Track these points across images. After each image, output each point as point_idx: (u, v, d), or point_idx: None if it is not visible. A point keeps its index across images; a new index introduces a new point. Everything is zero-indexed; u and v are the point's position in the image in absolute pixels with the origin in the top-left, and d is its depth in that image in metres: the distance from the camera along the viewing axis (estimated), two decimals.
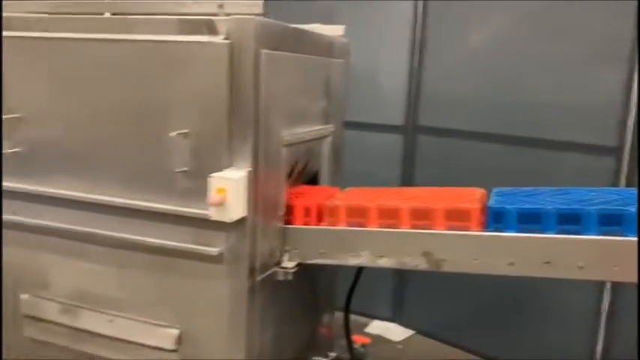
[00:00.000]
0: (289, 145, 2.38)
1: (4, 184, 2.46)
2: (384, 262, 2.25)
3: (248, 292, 2.18)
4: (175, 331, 2.27)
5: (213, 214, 2.01)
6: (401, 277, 4.18)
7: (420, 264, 2.20)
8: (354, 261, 2.30)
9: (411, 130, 4.05)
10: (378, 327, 4.23)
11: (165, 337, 2.28)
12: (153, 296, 2.31)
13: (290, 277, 2.34)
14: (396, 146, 4.10)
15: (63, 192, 2.38)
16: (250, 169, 2.07)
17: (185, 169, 2.14)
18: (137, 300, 2.34)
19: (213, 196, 1.97)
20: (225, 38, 2.03)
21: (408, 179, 4.06)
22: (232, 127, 2.06)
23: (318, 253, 2.33)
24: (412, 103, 4.01)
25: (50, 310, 2.50)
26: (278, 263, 2.34)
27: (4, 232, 2.51)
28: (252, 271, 2.18)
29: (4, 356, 2.57)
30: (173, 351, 2.28)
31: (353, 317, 3.07)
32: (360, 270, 2.78)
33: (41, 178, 2.42)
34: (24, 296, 2.55)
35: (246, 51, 2.02)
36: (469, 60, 3.77)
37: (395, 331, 4.18)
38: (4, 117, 2.38)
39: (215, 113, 2.07)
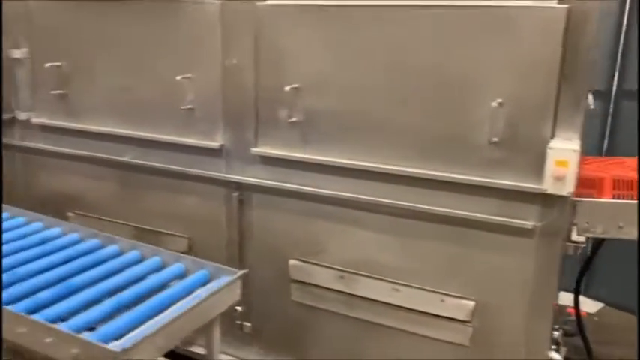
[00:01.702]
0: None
1: (284, 153, 2.50)
2: None
3: (557, 267, 2.13)
4: (470, 303, 2.26)
5: (550, 187, 1.95)
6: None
7: None
8: None
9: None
10: (567, 299, 4.13)
11: (460, 308, 2.27)
12: (444, 267, 2.30)
13: (579, 252, 2.28)
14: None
15: (345, 162, 2.39)
16: (580, 140, 1.99)
17: (496, 139, 2.08)
18: (426, 270, 2.33)
19: (555, 168, 1.90)
20: (561, 2, 1.92)
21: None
22: (563, 95, 1.98)
23: (617, 228, 2.24)
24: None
25: (322, 277, 2.55)
26: (568, 238, 2.28)
27: (278, 199, 2.58)
28: (562, 246, 2.13)
29: None
30: (466, 322, 2.28)
31: None
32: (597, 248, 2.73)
33: (320, 148, 2.44)
34: (293, 262, 2.61)
35: (587, 16, 1.91)
36: None
37: (586, 303, 4.07)
38: (286, 88, 2.40)
39: (541, 80, 1.98)
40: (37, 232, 2.51)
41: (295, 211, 2.56)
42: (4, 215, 2.62)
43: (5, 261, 2.16)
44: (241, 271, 2.11)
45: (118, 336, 1.75)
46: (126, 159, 2.91)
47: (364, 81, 2.30)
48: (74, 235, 2.46)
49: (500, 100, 2.04)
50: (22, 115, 3.16)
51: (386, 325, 2.45)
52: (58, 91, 2.99)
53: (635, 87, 3.69)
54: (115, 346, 1.62)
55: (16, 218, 2.61)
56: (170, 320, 1.76)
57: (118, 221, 3.00)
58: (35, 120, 3.13)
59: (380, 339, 2.50)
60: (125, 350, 1.58)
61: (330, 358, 2.64)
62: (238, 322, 2.78)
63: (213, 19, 2.51)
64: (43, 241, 2.40)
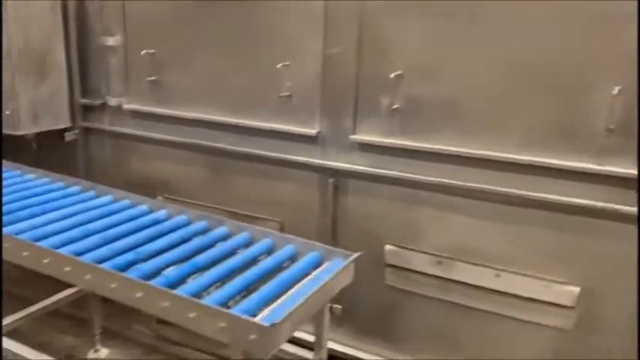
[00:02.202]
0: None
1: (383, 140, 2.56)
2: None
3: None
4: (576, 289, 2.30)
5: None
6: None
7: None
8: None
9: None
10: None
11: (565, 294, 2.31)
12: (549, 253, 2.34)
13: None
14: None
15: (447, 148, 2.43)
16: None
17: (612, 126, 2.10)
18: (530, 256, 2.37)
19: None
20: None
21: None
22: None
23: None
24: None
25: (419, 262, 2.61)
26: None
27: (375, 185, 2.63)
28: None
29: None
30: (570, 308, 2.32)
31: None
32: None
33: (420, 134, 2.48)
34: (389, 247, 2.67)
35: None
36: None
37: None
38: (391, 75, 2.44)
39: None
40: (144, 214, 2.61)
41: (393, 197, 2.61)
42: (108, 198, 2.72)
43: (126, 241, 2.27)
44: (355, 254, 2.17)
45: (251, 314, 1.83)
46: (221, 145, 2.99)
47: (470, 69, 2.33)
48: (182, 217, 2.55)
49: (619, 87, 2.06)
50: (112, 101, 3.27)
51: (484, 309, 2.50)
52: (151, 78, 3.09)
53: None
54: (262, 319, 1.70)
55: (121, 201, 2.71)
56: (305, 299, 1.83)
57: (209, 205, 3.09)
58: (127, 106, 3.23)
59: (477, 323, 2.55)
60: (273, 325, 1.65)
61: (421, 341, 2.71)
62: (329, 304, 2.86)
63: (317, 9, 2.57)
64: (154, 223, 2.49)
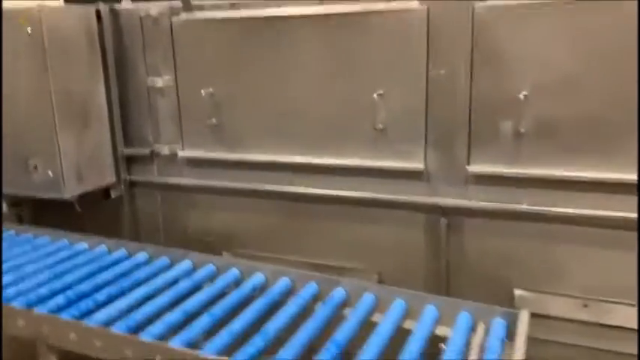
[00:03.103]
0: None
1: (507, 170, 2.22)
2: None
3: None
4: None
5: None
6: None
7: None
8: None
9: None
10: None
11: None
12: None
13: None
14: None
15: (586, 175, 2.10)
16: None
17: None
18: None
19: None
20: None
21: None
22: None
23: None
24: None
25: (559, 306, 2.25)
26: None
27: (497, 222, 2.29)
28: None
29: None
30: None
31: None
32: None
33: (554, 160, 2.14)
34: (519, 292, 2.31)
35: None
36: None
37: None
38: (520, 95, 2.12)
39: None
40: (210, 275, 2.22)
41: (521, 233, 2.27)
42: (164, 260, 2.31)
43: (213, 312, 1.88)
44: (524, 310, 1.81)
45: None
46: (299, 188, 2.62)
47: (620, 79, 2.02)
48: (259, 276, 2.16)
49: None
50: (164, 150, 2.87)
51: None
52: (211, 121, 2.71)
53: None
54: None
55: (181, 262, 2.29)
56: None
57: (287, 257, 2.70)
58: (182, 153, 2.84)
59: None
60: None
61: None
62: None
63: (417, 27, 2.24)
64: (226, 286, 2.11)
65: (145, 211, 3.03)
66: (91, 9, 2.72)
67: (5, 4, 2.54)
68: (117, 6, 2.81)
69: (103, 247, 2.45)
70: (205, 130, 2.76)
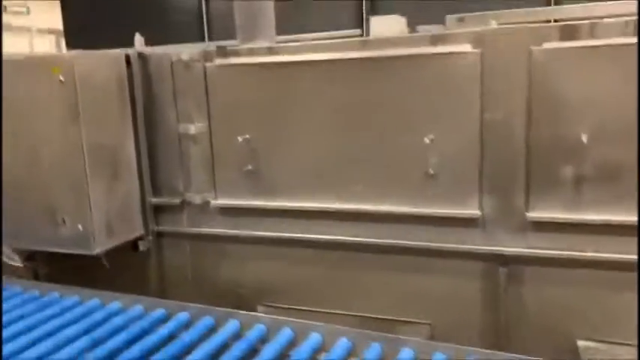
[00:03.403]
0: None
1: (570, 216, 2.13)
2: None
3: None
4: None
5: None
6: None
7: None
8: None
9: None
10: None
11: None
12: None
13: None
14: None
15: None
16: None
17: None
18: None
19: None
20: None
21: None
22: None
23: None
24: None
25: (630, 357, 2.15)
26: None
27: (561, 270, 2.19)
28: None
29: None
30: None
31: None
32: None
33: (621, 205, 2.08)
34: (583, 343, 2.20)
35: None
36: None
37: None
38: (583, 137, 2.05)
39: None
40: (260, 335, 2.04)
41: (586, 281, 2.17)
42: (209, 320, 2.15)
43: None
44: None
45: None
46: (342, 237, 2.50)
47: None
48: (315, 337, 1.98)
49: None
50: (196, 199, 2.74)
51: None
52: (247, 168, 2.60)
53: None
54: None
55: (228, 323, 2.12)
56: None
57: (329, 311, 2.56)
58: (215, 202, 2.71)
59: None
60: None
61: None
62: None
63: (470, 71, 2.18)
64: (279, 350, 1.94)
65: (173, 262, 2.87)
66: (120, 54, 2.62)
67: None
68: (146, 50, 2.72)
69: (139, 307, 2.29)
70: (240, 178, 2.64)
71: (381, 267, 2.48)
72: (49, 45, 11.11)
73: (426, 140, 2.25)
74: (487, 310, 2.33)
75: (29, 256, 3.04)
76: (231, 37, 2.83)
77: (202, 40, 7.40)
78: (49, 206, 2.49)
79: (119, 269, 2.81)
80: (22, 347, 1.95)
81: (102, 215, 2.48)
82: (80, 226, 2.43)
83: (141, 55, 2.70)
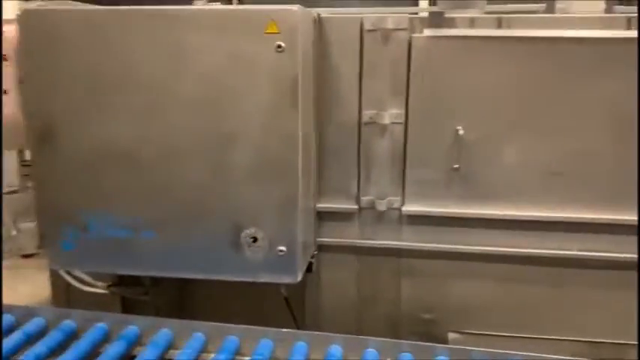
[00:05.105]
0: None
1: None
2: None
3: None
4: None
5: None
6: None
7: None
8: None
9: None
10: None
11: None
12: None
13: None
14: None
15: None
16: None
17: None
18: None
19: None
20: None
21: None
22: None
23: None
24: None
25: None
26: None
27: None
28: None
29: None
30: None
31: None
32: None
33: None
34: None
35: None
36: None
37: None
38: None
39: None
40: None
41: None
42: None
43: None
44: None
45: None
46: (573, 251, 2.13)
47: None
48: None
49: None
50: (381, 204, 2.17)
51: None
52: (454, 166, 2.10)
53: None
54: None
55: None
56: None
57: (550, 336, 2.18)
58: (406, 209, 2.18)
59: None
60: None
61: None
62: None
63: None
64: None
65: (335, 283, 2.29)
66: (313, 13, 1.96)
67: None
68: (325, 13, 2.08)
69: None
70: (441, 179, 2.14)
71: (615, 285, 2.15)
72: None
73: None
74: None
75: (118, 281, 2.30)
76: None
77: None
78: (232, 220, 1.80)
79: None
80: None
81: (301, 230, 1.85)
82: (284, 248, 1.77)
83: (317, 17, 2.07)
